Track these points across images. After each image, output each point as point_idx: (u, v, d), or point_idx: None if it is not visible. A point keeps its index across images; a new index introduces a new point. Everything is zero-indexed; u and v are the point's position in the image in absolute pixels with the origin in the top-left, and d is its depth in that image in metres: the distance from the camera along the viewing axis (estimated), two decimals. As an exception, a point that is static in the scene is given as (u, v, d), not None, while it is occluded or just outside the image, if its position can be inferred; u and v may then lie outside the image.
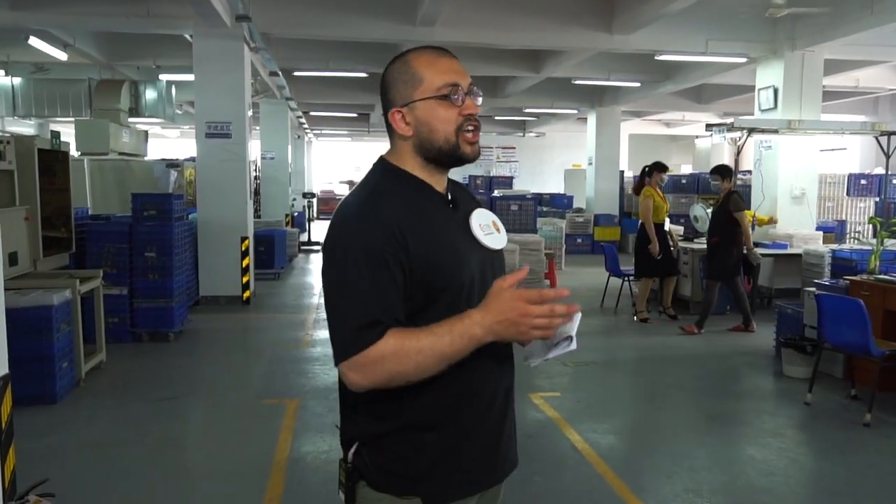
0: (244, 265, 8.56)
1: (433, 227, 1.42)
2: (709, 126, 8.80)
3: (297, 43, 10.93)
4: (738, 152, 8.47)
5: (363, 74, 12.80)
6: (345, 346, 1.34)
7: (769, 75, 9.52)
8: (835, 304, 4.77)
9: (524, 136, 22.93)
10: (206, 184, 8.48)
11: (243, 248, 8.54)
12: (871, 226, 12.28)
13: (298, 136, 22.29)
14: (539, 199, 17.23)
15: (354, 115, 19.62)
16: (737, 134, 8.31)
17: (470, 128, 1.45)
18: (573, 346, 1.36)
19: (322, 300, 1.45)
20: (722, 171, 7.25)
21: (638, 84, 13.17)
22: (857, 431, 4.49)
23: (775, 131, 8.42)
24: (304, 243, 15.46)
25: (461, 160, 1.47)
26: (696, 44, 9.36)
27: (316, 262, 13.50)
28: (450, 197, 1.51)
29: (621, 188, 16.42)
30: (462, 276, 1.40)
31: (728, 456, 4.14)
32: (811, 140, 9.31)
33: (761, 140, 9.50)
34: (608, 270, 8.84)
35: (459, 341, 1.32)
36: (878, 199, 12.74)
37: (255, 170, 17.01)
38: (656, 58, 9.88)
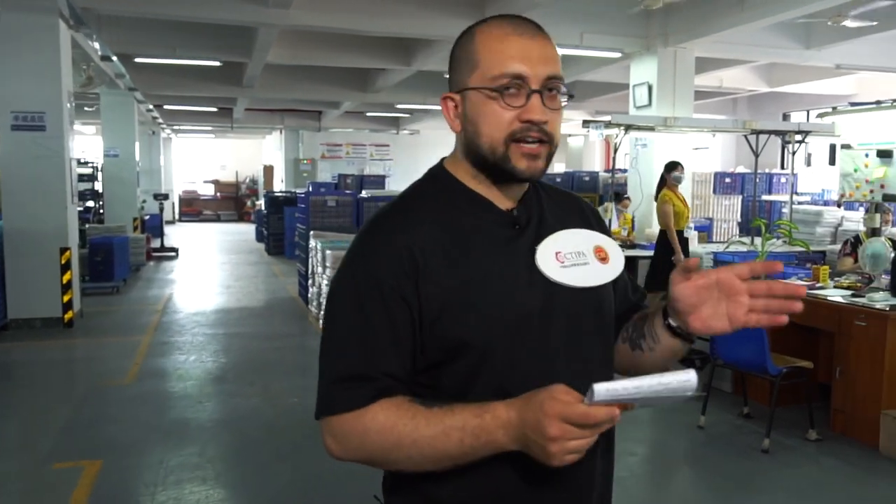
0: (65, 280, 7.27)
1: (469, 257, 1.08)
2: (586, 122, 8.40)
3: (136, 24, 9.62)
4: (615, 150, 8.11)
5: (216, 63, 11.61)
6: (321, 401, 1.08)
7: (643, 72, 9.32)
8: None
9: (398, 133, 22.19)
10: (12, 185, 7.11)
11: (64, 261, 7.25)
12: (738, 224, 12.53)
13: (153, 132, 20.44)
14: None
15: (214, 109, 18.13)
16: (613, 131, 7.94)
17: (531, 138, 1.08)
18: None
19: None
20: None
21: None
22: (755, 460, 4.05)
23: (651, 129, 8.14)
24: (156, 250, 13.99)
25: (511, 177, 1.11)
26: (570, 36, 8.97)
27: (168, 270, 12.15)
28: (515, 214, 1.14)
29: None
30: (497, 325, 1.06)
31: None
32: (684, 138, 9.16)
33: (637, 138, 9.28)
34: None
35: (473, 444, 0.99)
36: (741, 196, 13.02)
37: (95, 169, 15.32)
38: (530, 50, 9.40)
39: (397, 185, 20.90)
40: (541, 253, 1.11)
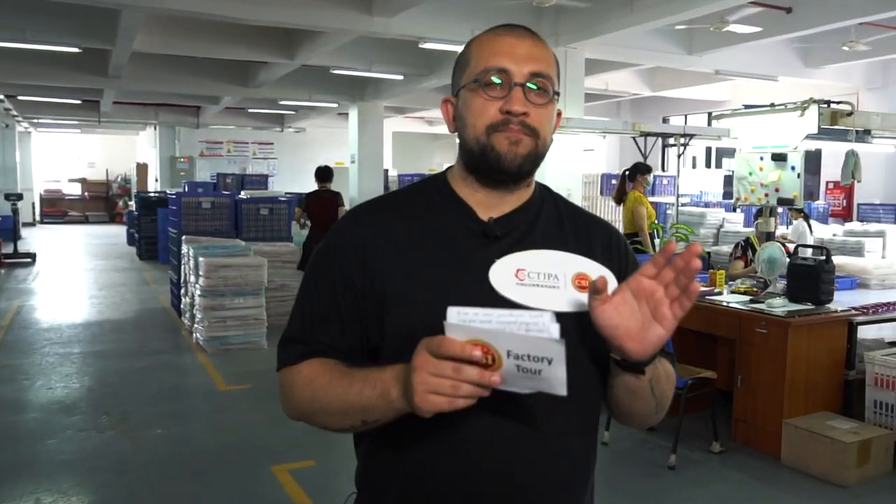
0: None
1: (418, 255, 1.13)
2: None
3: (-25, 2, 8.51)
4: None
5: (75, 50, 10.51)
6: (278, 357, 1.20)
7: (534, 71, 9.17)
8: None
9: (283, 131, 21.28)
10: None
11: None
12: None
13: (6, 125, 18.58)
14: (300, 199, 15.93)
15: (78, 101, 16.64)
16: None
17: (513, 127, 1.10)
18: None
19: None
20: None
21: (401, 77, 12.38)
22: (663, 478, 3.85)
23: (543, 129, 7.96)
24: (8, 255, 12.59)
25: (493, 165, 1.11)
26: (460, 32, 8.67)
27: (21, 279, 10.90)
28: (491, 224, 1.14)
29: (386, 188, 15.71)
30: (430, 325, 0.97)
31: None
32: (575, 140, 9.08)
33: (528, 139, 9.11)
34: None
35: (370, 394, 1.03)
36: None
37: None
38: (420, 46, 9.06)
39: (283, 184, 20.05)
40: (498, 265, 1.09)
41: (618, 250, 1.21)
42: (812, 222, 7.98)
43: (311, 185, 21.26)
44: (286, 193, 14.43)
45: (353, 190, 15.17)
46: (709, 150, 16.63)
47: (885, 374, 3.97)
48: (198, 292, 6.50)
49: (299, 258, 7.55)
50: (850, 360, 4.21)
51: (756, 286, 4.75)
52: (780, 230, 5.63)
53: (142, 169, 22.55)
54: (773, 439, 4.04)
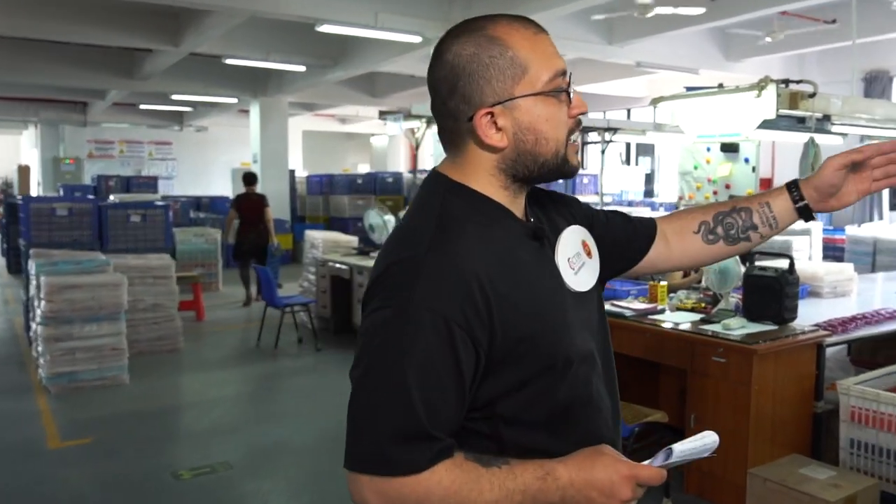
0: None
1: (526, 280, 1.05)
2: (382, 114, 7.28)
3: None
4: (417, 146, 7.02)
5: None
6: (373, 458, 0.95)
7: (445, 60, 8.36)
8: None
9: (182, 130, 19.73)
10: None
11: None
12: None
13: None
14: (198, 202, 14.60)
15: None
16: (414, 123, 6.85)
17: (574, 134, 1.11)
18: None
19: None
20: None
21: (303, 68, 11.32)
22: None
23: (456, 122, 7.15)
24: None
25: (564, 176, 1.13)
26: (364, 15, 7.76)
27: None
28: (533, 224, 1.14)
29: (293, 189, 14.60)
30: (565, 349, 1.06)
31: None
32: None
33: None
34: (264, 299, 6.81)
35: (539, 486, 0.98)
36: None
37: None
38: (317, 29, 8.06)
39: (183, 187, 18.56)
40: (560, 265, 1.12)
41: (577, 205, 1.28)
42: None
43: (214, 188, 19.99)
44: (184, 197, 13.15)
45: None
46: (628, 146, 16.28)
47: (864, 407, 3.28)
48: (38, 319, 5.32)
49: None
50: (819, 390, 3.53)
51: (704, 300, 4.04)
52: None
53: (23, 171, 20.48)
54: (735, 492, 3.29)
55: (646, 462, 1.03)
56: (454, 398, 0.97)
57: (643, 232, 1.33)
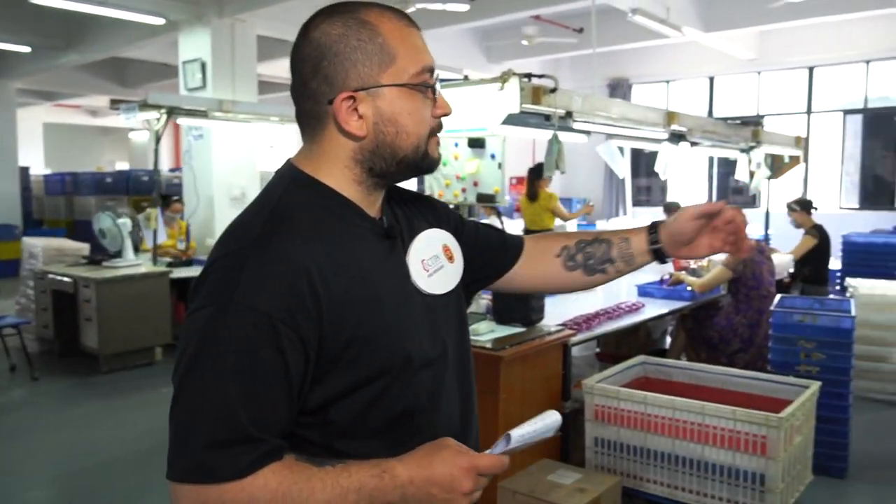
0: None
1: (365, 278, 1.01)
2: (115, 103, 6.37)
3: None
4: (158, 140, 6.23)
5: None
6: (192, 465, 0.88)
7: (195, 46, 7.59)
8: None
9: None
10: None
11: None
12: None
13: None
14: None
15: None
16: (153, 115, 6.06)
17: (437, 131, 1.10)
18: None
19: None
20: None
21: (28, 49, 9.81)
22: None
23: (205, 114, 6.45)
24: None
25: (423, 171, 1.11)
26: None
27: None
28: (386, 224, 1.09)
29: (26, 189, 12.73)
30: (404, 352, 1.02)
31: None
32: (248, 129, 7.70)
33: (191, 127, 7.52)
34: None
35: (375, 484, 0.94)
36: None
37: None
38: (32, 1, 6.90)
39: None
40: (412, 265, 1.10)
41: (445, 211, 1.25)
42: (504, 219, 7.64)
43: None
44: None
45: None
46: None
47: (606, 405, 3.27)
48: None
49: None
50: (567, 390, 3.49)
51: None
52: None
53: None
54: (487, 506, 3.12)
55: (487, 451, 1.00)
56: (281, 399, 0.93)
57: (512, 246, 1.34)
